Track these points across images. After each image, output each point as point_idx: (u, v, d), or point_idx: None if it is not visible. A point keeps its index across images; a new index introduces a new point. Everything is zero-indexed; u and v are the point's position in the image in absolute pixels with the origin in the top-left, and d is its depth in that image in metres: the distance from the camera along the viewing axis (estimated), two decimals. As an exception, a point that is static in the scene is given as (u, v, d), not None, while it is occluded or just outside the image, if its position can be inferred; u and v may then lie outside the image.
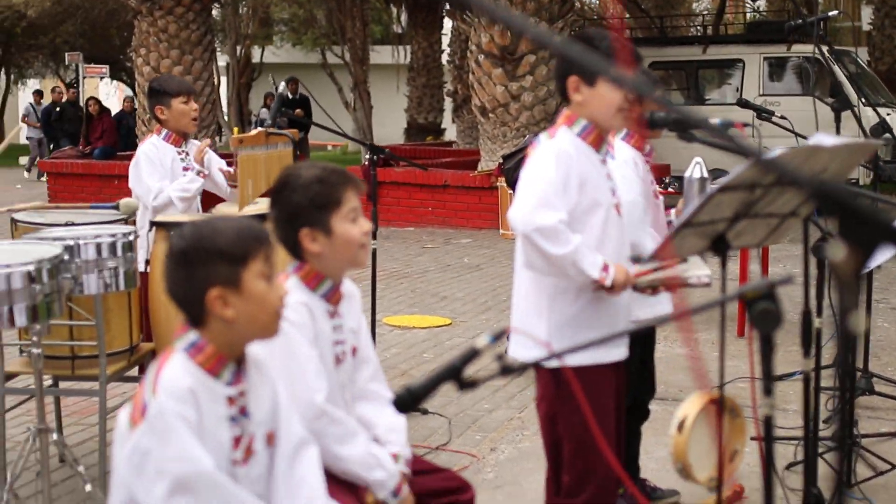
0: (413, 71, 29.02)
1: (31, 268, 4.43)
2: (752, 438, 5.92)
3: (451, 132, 31.19)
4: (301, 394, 3.43)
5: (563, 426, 4.10)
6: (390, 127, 33.11)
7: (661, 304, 5.02)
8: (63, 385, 5.99)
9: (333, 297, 3.62)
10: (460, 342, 8.78)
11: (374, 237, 6.80)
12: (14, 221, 5.46)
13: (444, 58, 30.11)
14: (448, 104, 29.64)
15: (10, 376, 5.59)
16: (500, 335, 2.87)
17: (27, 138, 30.13)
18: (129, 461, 2.89)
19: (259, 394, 3.13)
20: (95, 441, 6.18)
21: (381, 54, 34.98)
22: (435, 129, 28.79)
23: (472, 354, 2.83)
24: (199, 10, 18.64)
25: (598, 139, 4.04)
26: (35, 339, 4.78)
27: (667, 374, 6.44)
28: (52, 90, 29.58)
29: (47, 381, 5.72)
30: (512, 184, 7.63)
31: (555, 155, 3.91)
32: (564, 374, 4.01)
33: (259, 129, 5.91)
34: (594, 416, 3.96)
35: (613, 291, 3.95)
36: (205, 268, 2.95)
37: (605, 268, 3.88)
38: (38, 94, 31.34)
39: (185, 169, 6.31)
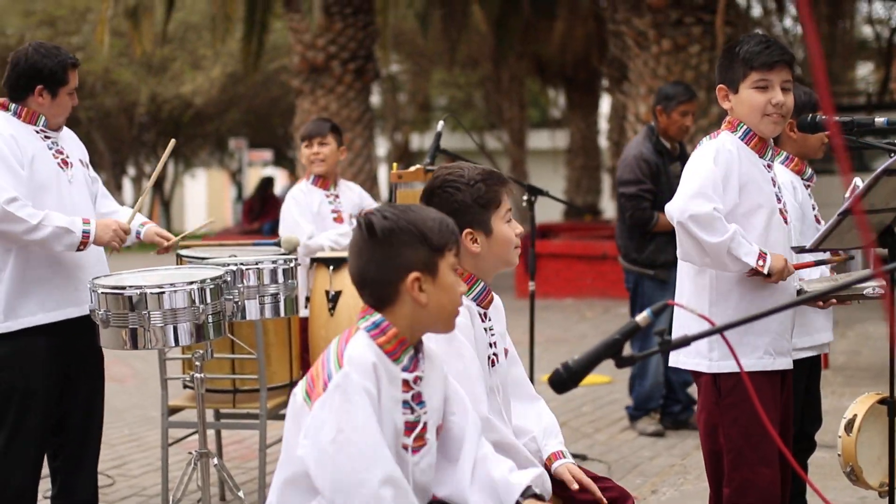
0: (571, 153, 29.02)
1: (195, 287, 4.52)
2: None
3: (609, 212, 31.06)
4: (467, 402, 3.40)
5: (723, 436, 4.01)
6: (549, 209, 33.10)
7: (823, 333, 4.87)
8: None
9: (485, 300, 3.61)
10: (619, 397, 8.65)
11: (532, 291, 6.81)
12: (179, 257, 5.59)
13: (601, 140, 30.09)
14: (606, 184, 29.57)
15: (174, 410, 5.68)
16: (661, 310, 2.82)
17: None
18: (308, 430, 2.92)
19: (432, 384, 3.16)
20: (254, 482, 6.23)
21: (538, 139, 35.12)
22: (593, 209, 28.66)
23: (632, 329, 2.78)
24: (359, 89, 18.96)
25: (760, 144, 4.04)
26: (198, 363, 4.86)
27: (834, 424, 6.23)
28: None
29: (209, 418, 5.80)
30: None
31: (715, 151, 3.93)
32: (725, 383, 3.94)
33: (418, 166, 5.97)
34: (754, 426, 3.88)
35: (771, 279, 3.90)
36: (408, 250, 2.99)
37: (762, 256, 3.86)
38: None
39: (334, 211, 6.48)
